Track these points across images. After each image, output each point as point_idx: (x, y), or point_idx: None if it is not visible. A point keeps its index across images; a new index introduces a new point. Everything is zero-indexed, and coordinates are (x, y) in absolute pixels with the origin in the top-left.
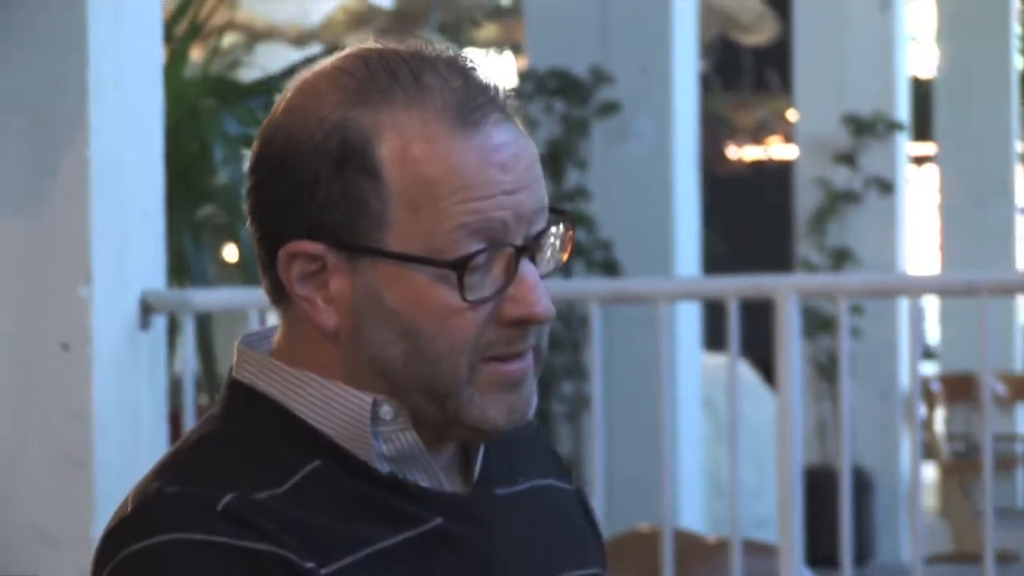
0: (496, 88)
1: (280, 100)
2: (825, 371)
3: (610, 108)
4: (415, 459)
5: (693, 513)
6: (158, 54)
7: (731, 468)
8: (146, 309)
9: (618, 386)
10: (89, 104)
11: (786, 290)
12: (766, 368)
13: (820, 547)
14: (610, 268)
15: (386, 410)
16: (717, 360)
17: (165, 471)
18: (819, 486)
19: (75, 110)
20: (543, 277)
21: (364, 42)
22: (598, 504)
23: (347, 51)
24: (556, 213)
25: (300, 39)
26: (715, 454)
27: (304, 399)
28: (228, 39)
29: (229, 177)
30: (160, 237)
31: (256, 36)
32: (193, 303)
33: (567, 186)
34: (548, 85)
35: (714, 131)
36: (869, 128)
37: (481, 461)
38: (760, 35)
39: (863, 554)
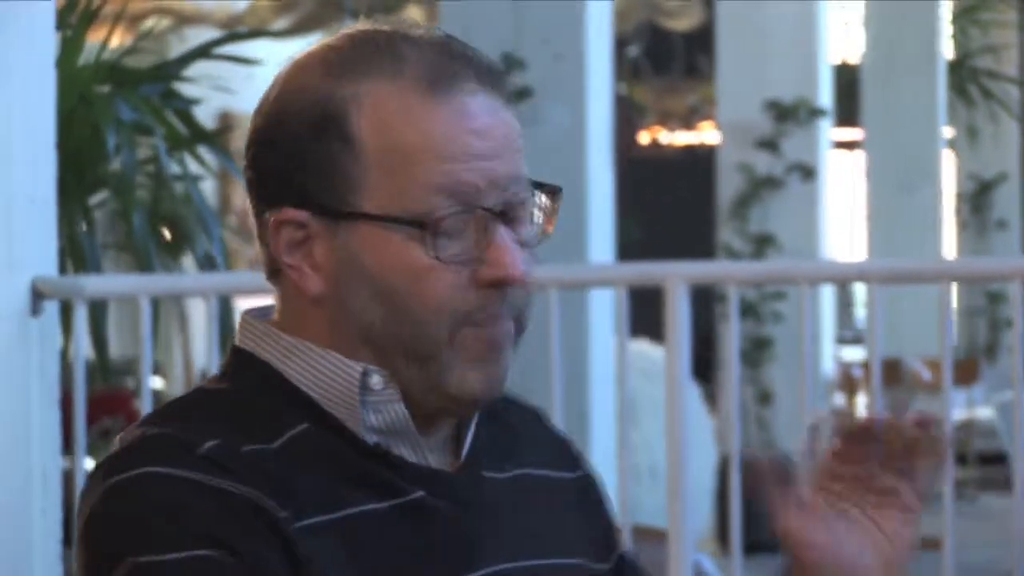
0: (475, 60)
1: (275, 78)
2: (747, 356)
3: (522, 94)
4: (403, 433)
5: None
6: (50, 41)
7: (621, 454)
8: (37, 295)
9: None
10: None
11: (675, 278)
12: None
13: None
14: None
15: (375, 380)
16: (640, 346)
17: (154, 417)
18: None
19: None
20: (529, 246)
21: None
22: None
23: (341, 31)
24: (540, 187)
25: (228, 24)
26: (631, 439)
27: (298, 366)
28: (158, 24)
29: (123, 163)
30: (52, 224)
31: (184, 21)
32: (85, 290)
33: None
34: None
35: (629, 116)
36: (791, 114)
37: (472, 444)
38: (685, 20)
39: None
